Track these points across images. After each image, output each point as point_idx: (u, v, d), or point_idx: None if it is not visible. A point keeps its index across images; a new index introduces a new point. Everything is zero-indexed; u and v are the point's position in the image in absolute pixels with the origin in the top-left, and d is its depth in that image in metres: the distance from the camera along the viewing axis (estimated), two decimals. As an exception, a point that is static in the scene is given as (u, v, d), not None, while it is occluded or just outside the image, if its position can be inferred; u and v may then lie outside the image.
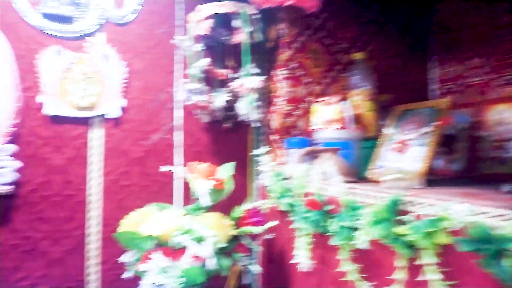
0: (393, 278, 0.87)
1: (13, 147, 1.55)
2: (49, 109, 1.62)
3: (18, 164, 1.56)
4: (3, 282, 1.56)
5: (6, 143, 1.53)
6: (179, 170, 1.51)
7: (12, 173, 1.54)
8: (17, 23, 1.59)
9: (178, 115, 1.80)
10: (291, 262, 1.31)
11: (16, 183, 1.56)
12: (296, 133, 1.69)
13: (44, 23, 1.62)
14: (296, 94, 1.70)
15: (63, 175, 1.65)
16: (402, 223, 0.87)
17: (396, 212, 0.88)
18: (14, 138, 1.56)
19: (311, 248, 1.21)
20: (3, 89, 1.54)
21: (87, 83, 1.67)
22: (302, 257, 1.22)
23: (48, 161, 1.63)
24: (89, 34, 1.69)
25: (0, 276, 1.55)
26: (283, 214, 1.44)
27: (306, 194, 1.23)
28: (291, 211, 1.34)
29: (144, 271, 1.26)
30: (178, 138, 1.80)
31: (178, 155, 1.79)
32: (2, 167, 1.51)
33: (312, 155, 1.43)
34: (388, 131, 1.41)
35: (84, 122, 1.68)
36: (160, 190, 1.75)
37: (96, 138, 1.69)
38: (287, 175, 1.47)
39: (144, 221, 1.33)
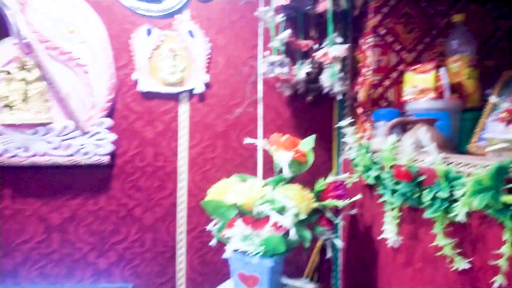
0: (497, 253, 0.76)
1: (109, 121, 1.68)
2: (142, 86, 1.72)
3: (114, 136, 1.69)
4: (103, 243, 1.72)
5: (103, 117, 1.67)
6: (261, 142, 1.51)
7: (109, 144, 1.67)
8: (111, 5, 1.70)
9: (260, 88, 1.79)
10: (377, 237, 1.24)
11: (113, 154, 1.69)
12: (384, 105, 1.58)
13: (135, 3, 1.71)
14: (385, 63, 1.58)
15: (155, 147, 1.75)
16: (510, 192, 0.75)
17: (503, 180, 0.77)
18: (110, 113, 1.69)
19: (400, 223, 1.12)
20: (100, 68, 1.66)
21: (175, 60, 1.74)
22: (389, 232, 1.14)
23: (141, 134, 1.74)
24: (176, 12, 1.75)
25: (100, 238, 1.71)
26: (368, 188, 1.36)
27: (395, 167, 1.14)
28: (378, 184, 1.26)
29: (228, 238, 1.28)
30: (260, 111, 1.79)
31: (260, 129, 1.79)
32: (101, 139, 1.65)
33: (403, 127, 1.33)
34: (493, 100, 1.25)
35: (173, 97, 1.75)
36: (242, 163, 1.77)
37: (184, 113, 1.76)
38: (374, 148, 1.38)
39: (229, 190, 1.35)
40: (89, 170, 1.69)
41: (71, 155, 1.63)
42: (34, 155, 1.62)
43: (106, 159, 1.67)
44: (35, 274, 1.68)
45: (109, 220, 1.72)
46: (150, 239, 1.74)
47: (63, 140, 1.62)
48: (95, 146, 1.64)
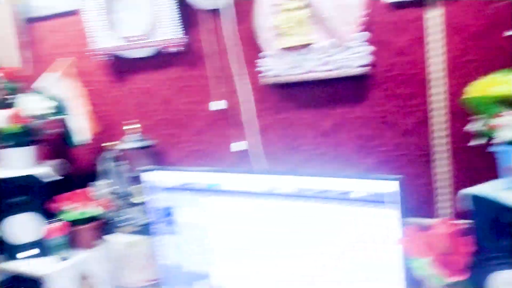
0: None
1: (366, 34, 1.84)
2: (390, -3, 1.78)
3: (370, 48, 1.84)
4: (367, 146, 1.95)
5: (361, 32, 1.84)
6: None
7: (367, 56, 1.84)
8: None
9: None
10: None
11: (370, 65, 1.86)
12: None
13: None
14: None
15: (405, 56, 1.81)
16: None
17: None
18: (365, 27, 1.84)
19: None
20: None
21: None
22: None
23: (392, 44, 1.83)
24: None
25: (364, 141, 1.96)
26: None
27: None
28: None
29: (497, 130, 1.27)
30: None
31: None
32: (359, 52, 1.84)
33: None
34: None
35: (420, 3, 1.74)
36: (506, 64, 1.64)
37: (433, 17, 1.73)
38: None
39: (494, 84, 1.32)
40: (350, 81, 1.91)
41: (335, 69, 1.89)
42: (304, 73, 1.96)
43: (365, 70, 1.86)
44: (313, 169, 2.07)
45: (370, 125, 1.93)
46: (408, 143, 1.87)
47: (328, 57, 1.89)
48: (356, 58, 1.85)
